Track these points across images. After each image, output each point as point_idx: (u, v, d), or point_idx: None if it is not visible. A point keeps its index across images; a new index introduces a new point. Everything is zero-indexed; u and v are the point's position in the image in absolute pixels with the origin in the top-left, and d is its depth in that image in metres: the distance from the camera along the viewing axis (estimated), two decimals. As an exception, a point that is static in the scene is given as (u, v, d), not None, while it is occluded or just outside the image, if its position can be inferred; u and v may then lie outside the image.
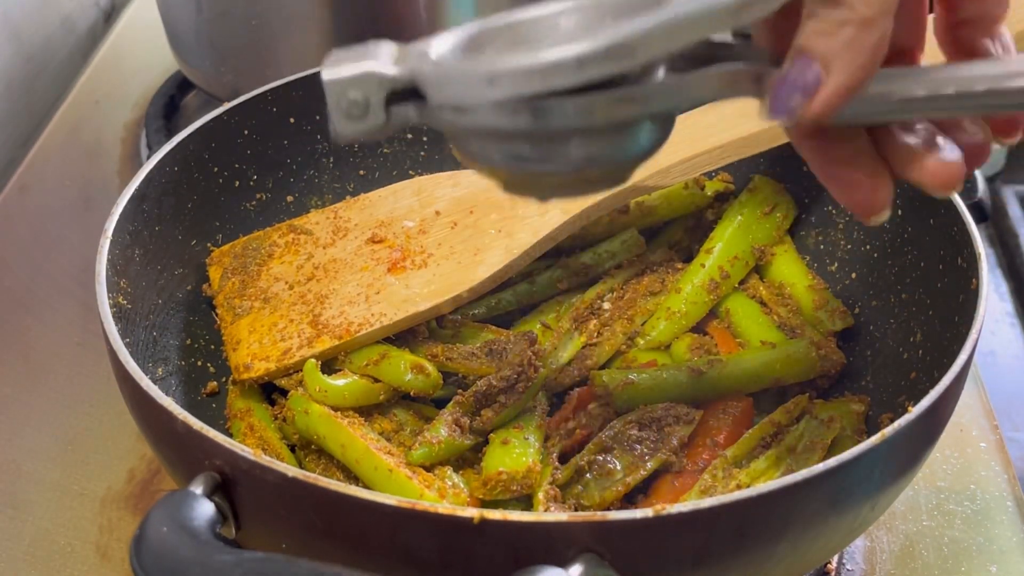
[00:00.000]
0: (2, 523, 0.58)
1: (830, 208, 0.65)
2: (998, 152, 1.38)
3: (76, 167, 0.88)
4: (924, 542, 0.57)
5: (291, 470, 0.39)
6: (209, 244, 0.63)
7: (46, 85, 1.00)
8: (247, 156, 0.65)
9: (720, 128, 0.59)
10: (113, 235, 0.53)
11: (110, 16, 1.15)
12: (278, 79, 0.67)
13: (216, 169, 0.63)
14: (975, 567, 0.55)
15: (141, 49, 1.02)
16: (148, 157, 0.77)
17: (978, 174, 0.58)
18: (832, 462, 0.40)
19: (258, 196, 0.66)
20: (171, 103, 0.92)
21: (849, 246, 0.63)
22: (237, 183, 0.65)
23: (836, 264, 0.64)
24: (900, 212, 0.60)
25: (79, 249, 0.79)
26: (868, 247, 0.62)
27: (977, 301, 0.49)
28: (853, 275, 0.63)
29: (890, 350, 0.58)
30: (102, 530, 0.58)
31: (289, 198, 0.68)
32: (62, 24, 1.05)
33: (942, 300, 0.55)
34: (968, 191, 0.68)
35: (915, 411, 0.43)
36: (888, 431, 0.42)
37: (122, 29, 1.07)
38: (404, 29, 0.81)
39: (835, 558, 0.56)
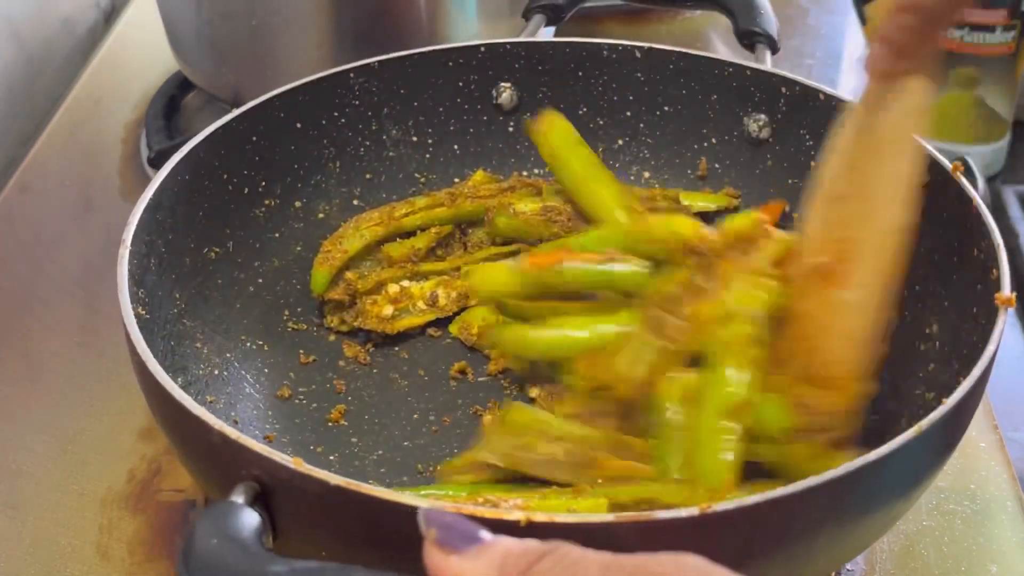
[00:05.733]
0: (2, 523, 0.58)
1: None
2: (998, 152, 1.39)
3: (76, 167, 0.88)
4: (924, 542, 0.57)
5: (333, 478, 0.39)
6: (219, 250, 0.63)
7: (46, 85, 1.00)
8: (255, 162, 0.65)
9: None
10: (131, 245, 0.53)
11: (110, 16, 1.15)
12: (279, 79, 0.67)
13: (226, 176, 0.63)
14: (975, 567, 0.55)
15: (141, 49, 1.02)
16: (149, 158, 0.77)
17: (978, 174, 0.58)
18: (873, 455, 0.41)
19: (267, 202, 0.66)
20: (171, 103, 0.92)
21: None
22: (246, 190, 0.65)
23: None
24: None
25: (79, 249, 0.79)
26: None
27: (1000, 290, 0.50)
28: None
29: (906, 343, 0.58)
30: (102, 530, 0.58)
31: (297, 203, 0.68)
32: (62, 25, 1.05)
33: (958, 292, 0.55)
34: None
35: (949, 402, 0.44)
36: (924, 423, 0.43)
37: (122, 29, 1.07)
38: (404, 29, 0.81)
39: (835, 558, 0.56)
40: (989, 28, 1.27)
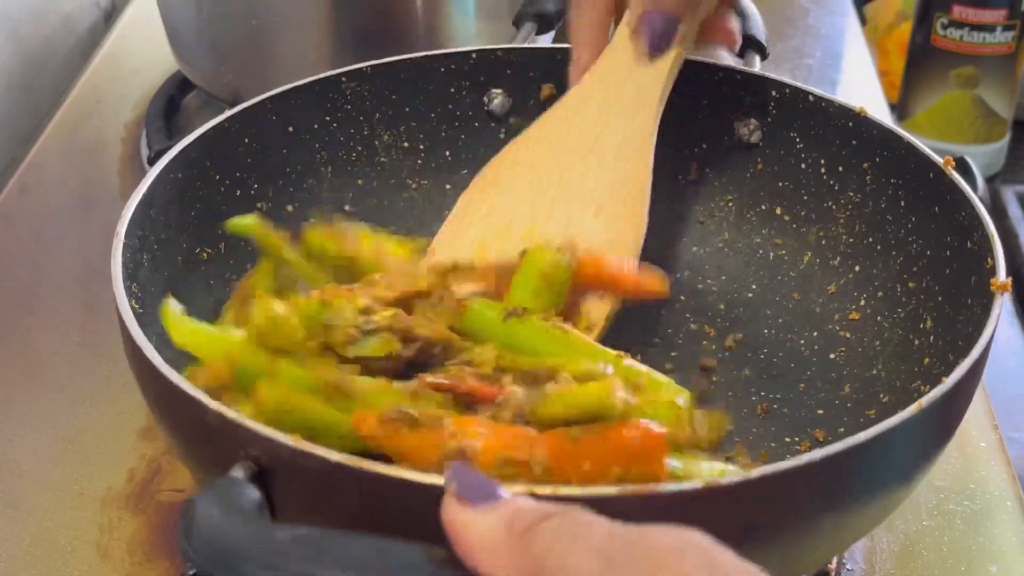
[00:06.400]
0: (2, 523, 0.58)
1: (830, 204, 0.65)
2: (998, 152, 1.39)
3: (76, 167, 0.88)
4: (924, 542, 0.57)
5: (333, 455, 0.38)
6: (211, 251, 0.62)
7: (46, 85, 1.00)
8: (247, 165, 0.65)
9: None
10: (125, 238, 0.53)
11: (110, 16, 1.15)
12: (279, 79, 0.67)
13: (218, 177, 0.63)
14: (975, 567, 0.55)
15: (141, 49, 1.02)
16: (148, 158, 0.76)
17: (977, 174, 0.59)
18: (874, 430, 0.41)
19: (259, 205, 0.65)
20: (171, 103, 0.92)
21: (851, 240, 0.64)
22: (238, 192, 0.64)
23: (839, 259, 0.64)
24: (903, 203, 0.60)
25: (79, 249, 0.79)
26: (871, 239, 0.62)
27: (996, 275, 0.51)
28: (856, 268, 0.63)
29: (900, 339, 0.58)
30: (102, 530, 0.58)
31: (289, 207, 0.67)
32: (62, 24, 1.05)
33: (952, 286, 0.55)
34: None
35: (949, 380, 0.44)
36: (924, 400, 0.43)
37: (122, 29, 1.07)
38: (404, 29, 0.81)
39: (835, 558, 0.56)
40: (989, 28, 1.28)
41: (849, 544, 0.54)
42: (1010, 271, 0.51)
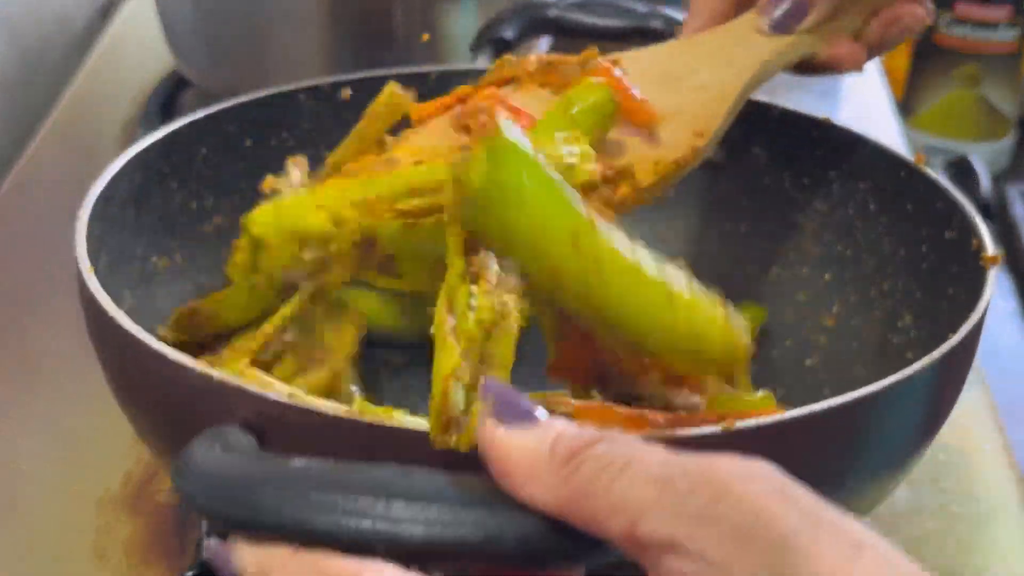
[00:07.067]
0: (-3, 525, 0.58)
1: (796, 217, 0.64)
2: (1002, 151, 1.38)
3: (73, 166, 0.87)
4: (928, 545, 0.57)
5: (331, 407, 0.38)
6: (167, 260, 0.61)
7: (42, 83, 1.00)
8: (204, 176, 0.63)
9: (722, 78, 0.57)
10: (88, 226, 0.52)
11: (107, 14, 1.14)
12: (278, 76, 0.66)
13: (175, 186, 0.61)
14: (979, 569, 0.55)
15: (138, 46, 1.02)
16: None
17: (982, 172, 0.58)
18: (873, 387, 0.41)
19: (215, 220, 0.63)
20: (168, 101, 0.91)
21: (820, 249, 0.63)
22: (194, 204, 0.63)
23: (807, 268, 0.63)
24: (872, 207, 0.60)
25: (76, 249, 0.78)
26: (840, 247, 0.62)
27: (983, 252, 0.50)
28: (827, 276, 0.62)
29: (878, 337, 0.58)
30: (99, 532, 0.58)
31: None
32: (58, 22, 1.05)
33: (931, 280, 0.55)
34: (972, 189, 0.68)
35: (956, 336, 0.44)
36: (931, 355, 0.43)
37: (119, 27, 1.07)
38: (404, 27, 0.81)
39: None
40: (992, 25, 1.27)
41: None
42: (1014, 270, 0.51)
